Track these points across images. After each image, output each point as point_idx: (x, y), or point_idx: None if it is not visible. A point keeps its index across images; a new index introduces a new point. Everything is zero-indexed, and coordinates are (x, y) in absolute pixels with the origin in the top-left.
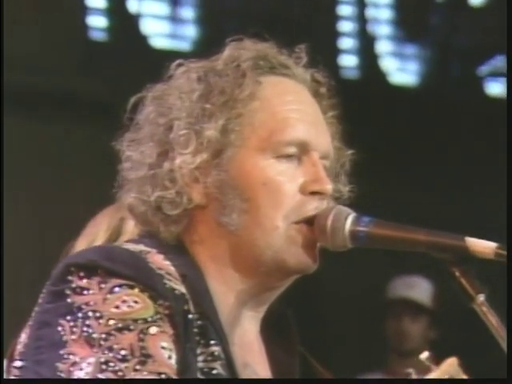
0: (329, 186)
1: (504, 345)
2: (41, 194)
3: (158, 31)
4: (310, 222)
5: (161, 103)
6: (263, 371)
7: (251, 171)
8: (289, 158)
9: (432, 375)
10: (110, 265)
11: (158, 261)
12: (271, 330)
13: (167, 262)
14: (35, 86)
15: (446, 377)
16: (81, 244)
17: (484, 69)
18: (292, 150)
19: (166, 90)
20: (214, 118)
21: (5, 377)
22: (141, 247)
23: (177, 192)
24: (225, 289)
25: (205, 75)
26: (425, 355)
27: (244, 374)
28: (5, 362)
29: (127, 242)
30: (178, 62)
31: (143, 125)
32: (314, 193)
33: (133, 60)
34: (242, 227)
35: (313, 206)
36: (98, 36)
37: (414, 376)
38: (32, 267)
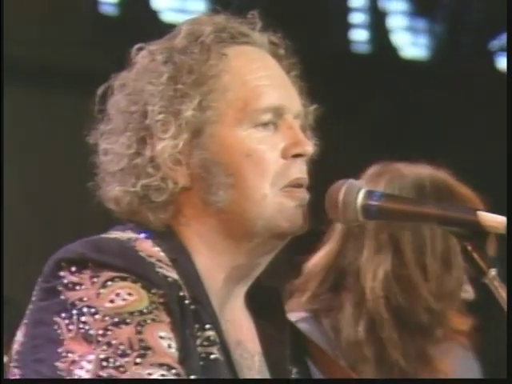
0: (309, 147)
1: None
2: (49, 170)
3: (168, 6)
4: (295, 184)
5: (129, 90)
6: (254, 347)
7: (232, 145)
8: (265, 126)
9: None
10: (100, 257)
11: (147, 248)
12: (259, 305)
13: (156, 248)
14: (43, 60)
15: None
16: None
17: (495, 43)
18: (268, 116)
19: (132, 76)
20: (188, 97)
21: (5, 376)
22: (128, 234)
23: (161, 178)
24: (214, 267)
25: (169, 56)
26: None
27: (236, 354)
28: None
29: (114, 229)
30: (136, 46)
31: (115, 115)
32: (295, 155)
33: (143, 35)
34: (229, 202)
35: (296, 169)
36: (108, 11)
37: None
38: (41, 244)
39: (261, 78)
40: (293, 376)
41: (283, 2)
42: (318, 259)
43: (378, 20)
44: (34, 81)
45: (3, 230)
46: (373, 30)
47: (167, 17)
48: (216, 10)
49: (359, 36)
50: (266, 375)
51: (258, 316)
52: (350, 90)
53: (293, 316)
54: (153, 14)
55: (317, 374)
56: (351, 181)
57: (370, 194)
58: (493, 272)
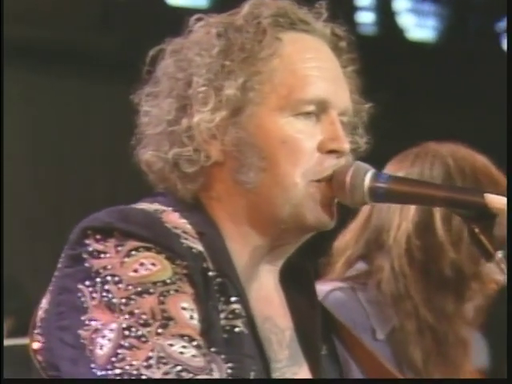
0: (346, 145)
1: None
2: (55, 151)
3: None
4: (327, 179)
5: (180, 57)
6: (284, 323)
7: (270, 129)
8: (307, 116)
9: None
10: (126, 226)
11: (174, 219)
12: (291, 283)
13: (183, 220)
14: (51, 42)
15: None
16: None
17: (502, 24)
18: (311, 107)
19: (185, 44)
20: (234, 75)
21: (29, 344)
22: (156, 206)
23: (194, 149)
24: (241, 245)
25: (225, 31)
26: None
27: (264, 328)
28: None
29: (143, 200)
30: (196, 16)
31: (161, 78)
32: (331, 151)
33: (149, 17)
34: (259, 185)
35: (330, 164)
36: None
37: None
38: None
39: (311, 69)
40: (323, 353)
41: None
42: (347, 233)
43: (384, 2)
44: (39, 61)
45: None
46: (379, 12)
47: (173, 0)
48: None
49: (366, 18)
50: (297, 350)
51: (290, 292)
52: (358, 73)
53: (329, 285)
54: None
55: (343, 354)
56: (358, 162)
57: (377, 176)
58: (499, 254)
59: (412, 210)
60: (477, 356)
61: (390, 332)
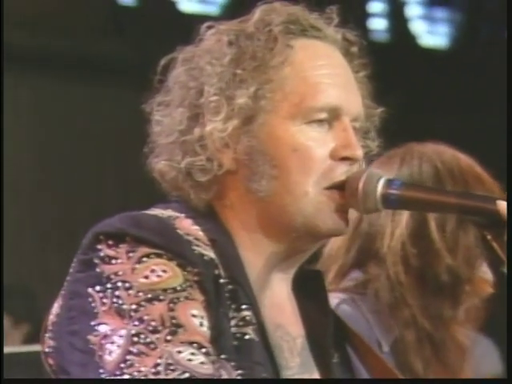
0: (359, 152)
1: None
2: (67, 157)
3: None
4: (340, 187)
5: (191, 66)
6: (296, 330)
7: (282, 137)
8: (319, 123)
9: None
10: (138, 232)
11: (186, 226)
12: (303, 291)
13: (196, 227)
14: (63, 48)
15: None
16: None
17: None
18: (323, 115)
19: (197, 52)
20: (246, 83)
21: (40, 347)
22: (169, 212)
23: (207, 158)
24: (254, 253)
25: (236, 39)
26: None
27: (275, 336)
28: (40, 333)
29: (156, 206)
30: (207, 24)
31: (173, 87)
32: (343, 158)
33: (161, 25)
34: (271, 193)
35: (342, 171)
36: (128, 1)
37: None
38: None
39: (322, 76)
40: (334, 361)
41: None
42: (337, 239)
43: (396, 9)
44: (52, 67)
45: (3, 229)
46: (391, 18)
47: (185, 7)
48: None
49: (378, 25)
50: (308, 358)
51: (302, 300)
52: (369, 78)
53: (333, 297)
54: (171, 4)
55: (355, 362)
56: (371, 169)
57: (390, 183)
58: None
59: (405, 216)
60: (490, 366)
61: (393, 343)
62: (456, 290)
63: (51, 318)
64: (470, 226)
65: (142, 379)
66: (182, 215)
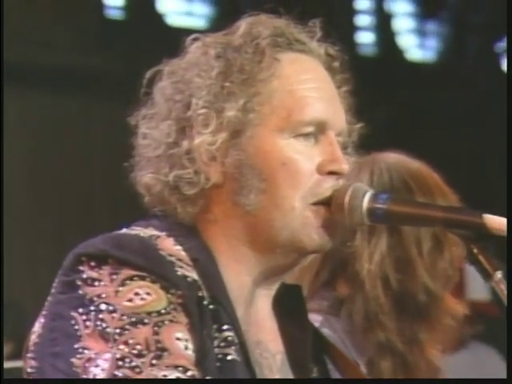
0: (345, 166)
1: None
2: (56, 171)
3: (173, 9)
4: (326, 202)
5: (177, 78)
6: (276, 347)
7: (270, 151)
8: (306, 137)
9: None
10: (121, 254)
11: (169, 246)
12: (282, 306)
13: (178, 247)
14: (51, 61)
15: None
16: None
17: (501, 45)
18: (310, 129)
19: (182, 65)
20: (234, 96)
21: (23, 367)
22: (150, 231)
23: (195, 171)
24: (238, 268)
25: (223, 51)
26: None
27: (256, 353)
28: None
29: (137, 224)
30: (193, 36)
31: (159, 100)
32: (330, 172)
33: (149, 38)
34: (259, 207)
35: (329, 186)
36: (115, 14)
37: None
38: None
39: (309, 90)
40: (313, 375)
41: (287, 4)
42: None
43: (383, 22)
44: (43, 83)
45: (3, 229)
46: (379, 32)
47: (172, 20)
48: (278, 13)
49: (365, 39)
50: (288, 374)
51: (281, 315)
52: (356, 92)
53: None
54: (158, 18)
55: (335, 375)
56: (357, 183)
57: (376, 197)
58: (499, 275)
59: (384, 239)
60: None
61: (367, 363)
62: (432, 311)
63: (33, 337)
64: (446, 248)
65: (140, 379)
66: (163, 234)
